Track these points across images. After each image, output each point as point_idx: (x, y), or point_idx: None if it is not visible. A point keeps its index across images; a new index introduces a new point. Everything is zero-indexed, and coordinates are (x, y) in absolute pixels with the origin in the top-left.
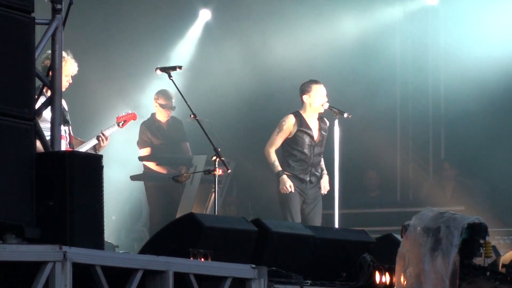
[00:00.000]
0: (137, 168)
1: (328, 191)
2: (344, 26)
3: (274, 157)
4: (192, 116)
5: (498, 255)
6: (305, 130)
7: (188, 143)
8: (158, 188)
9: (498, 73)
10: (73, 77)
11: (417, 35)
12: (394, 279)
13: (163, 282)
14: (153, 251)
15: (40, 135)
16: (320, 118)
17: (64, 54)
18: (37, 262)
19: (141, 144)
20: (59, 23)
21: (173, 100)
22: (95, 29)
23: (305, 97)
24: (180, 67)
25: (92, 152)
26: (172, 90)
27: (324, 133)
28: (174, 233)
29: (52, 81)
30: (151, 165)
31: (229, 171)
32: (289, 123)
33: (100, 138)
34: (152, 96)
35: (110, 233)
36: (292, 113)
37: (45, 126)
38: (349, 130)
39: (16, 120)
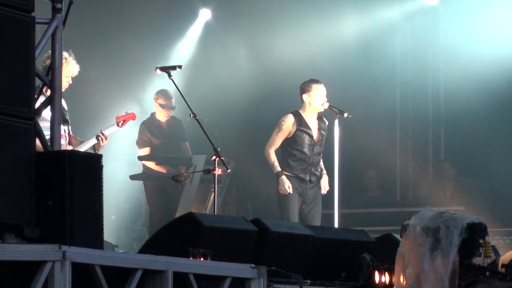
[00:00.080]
0: (137, 167)
1: (328, 191)
2: (344, 26)
3: (273, 158)
4: (191, 115)
5: (497, 255)
6: (304, 129)
7: (188, 142)
8: (158, 187)
9: (498, 73)
10: (73, 77)
11: (417, 35)
12: (394, 279)
13: (163, 281)
14: (153, 251)
15: (39, 134)
16: (319, 117)
17: (66, 54)
18: (36, 261)
19: (141, 143)
20: (59, 23)
21: (173, 100)
22: (95, 29)
23: (305, 96)
24: (180, 67)
25: (92, 151)
26: (172, 89)
27: (323, 132)
28: (174, 232)
29: (52, 80)
30: (151, 164)
31: (229, 170)
32: (288, 123)
33: (100, 138)
34: (152, 96)
35: (109, 233)
36: (291, 113)
37: (45, 126)
38: (348, 130)
39: (16, 119)
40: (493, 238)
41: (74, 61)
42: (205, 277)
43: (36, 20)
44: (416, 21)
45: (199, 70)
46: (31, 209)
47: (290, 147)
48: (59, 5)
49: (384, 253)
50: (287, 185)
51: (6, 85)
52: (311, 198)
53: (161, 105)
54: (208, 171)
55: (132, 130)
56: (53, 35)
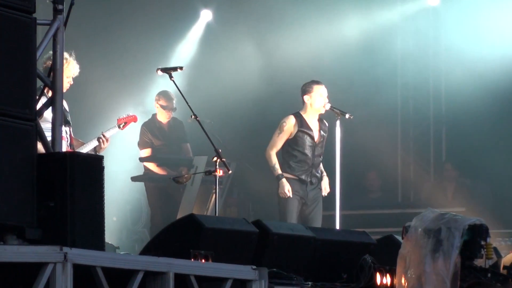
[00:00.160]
0: (138, 169)
1: (329, 193)
2: (346, 27)
3: (274, 160)
4: (193, 117)
5: (499, 256)
6: (305, 130)
7: (189, 144)
8: (159, 189)
9: (499, 74)
10: (74, 78)
11: (418, 36)
12: (395, 281)
13: (164, 283)
14: (154, 252)
15: (41, 135)
16: (320, 119)
17: (66, 55)
18: (37, 263)
19: (142, 145)
20: (60, 24)
21: (174, 101)
22: (96, 30)
23: (306, 98)
24: (181, 68)
25: (93, 153)
26: (173, 91)
27: (324, 133)
28: (175, 234)
29: (53, 81)
30: (152, 166)
31: (230, 172)
32: (290, 124)
33: (101, 140)
34: (153, 97)
35: (111, 234)
36: (292, 114)
37: (46, 127)
38: (350, 131)
39: (17, 120)
40: (495, 240)
41: (75, 62)
42: (206, 278)
43: (38, 21)
44: (417, 22)
45: (200, 71)
46: (32, 210)
47: (291, 148)
48: (60, 6)
49: (386, 254)
50: (287, 189)
51: (7, 86)
52: (312, 199)
53: (162, 106)
54: (209, 173)
55: (133, 131)
56: (54, 36)
